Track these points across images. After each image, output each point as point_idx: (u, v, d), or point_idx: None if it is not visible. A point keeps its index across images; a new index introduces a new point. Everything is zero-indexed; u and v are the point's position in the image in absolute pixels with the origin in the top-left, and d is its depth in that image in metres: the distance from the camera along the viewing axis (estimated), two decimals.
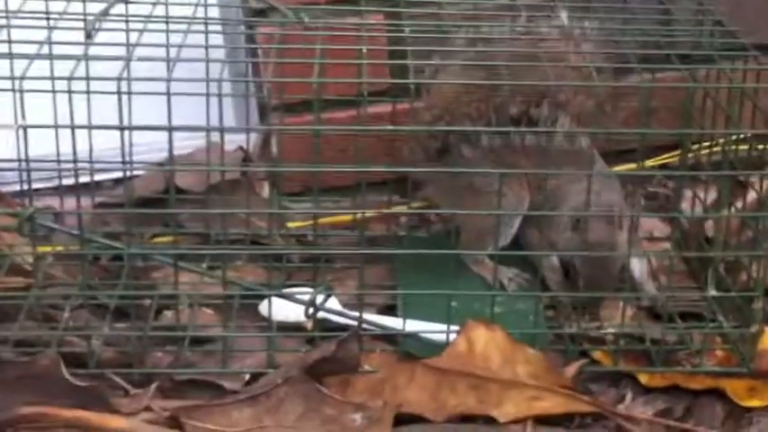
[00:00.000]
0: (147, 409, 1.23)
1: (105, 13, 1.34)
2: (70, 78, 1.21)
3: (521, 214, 1.46)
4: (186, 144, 1.57)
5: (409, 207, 1.56)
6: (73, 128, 1.24)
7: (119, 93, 1.21)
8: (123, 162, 1.26)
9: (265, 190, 1.66)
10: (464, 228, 1.52)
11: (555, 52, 1.40)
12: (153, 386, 1.26)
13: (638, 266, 1.45)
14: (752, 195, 1.44)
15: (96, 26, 1.31)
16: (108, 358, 1.33)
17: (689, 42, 1.46)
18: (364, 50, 1.30)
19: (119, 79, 1.20)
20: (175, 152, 1.33)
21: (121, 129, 1.23)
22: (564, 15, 1.46)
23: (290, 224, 1.62)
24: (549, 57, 1.35)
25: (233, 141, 1.66)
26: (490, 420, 1.23)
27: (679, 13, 1.53)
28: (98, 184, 1.60)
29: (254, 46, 1.61)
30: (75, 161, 1.29)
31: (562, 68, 1.39)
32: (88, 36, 1.29)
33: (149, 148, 1.50)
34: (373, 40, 1.44)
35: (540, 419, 1.23)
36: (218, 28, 1.54)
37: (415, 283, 1.42)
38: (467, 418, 1.24)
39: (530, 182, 1.46)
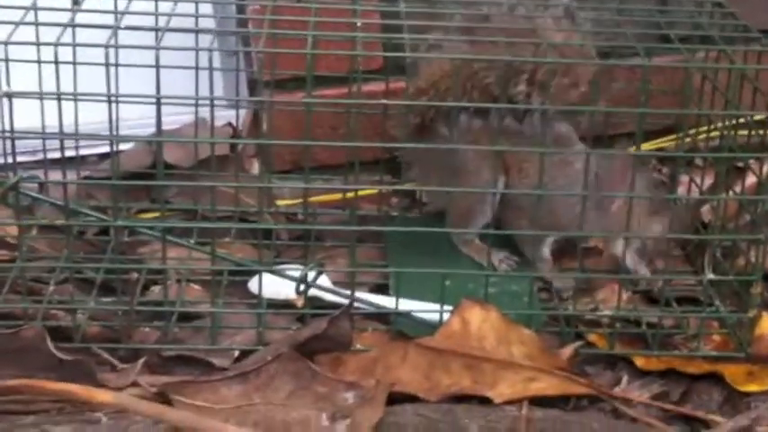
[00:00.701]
0: (134, 384, 1.21)
1: None
2: (56, 44, 1.18)
3: (495, 192, 1.44)
4: (175, 119, 1.55)
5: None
6: (59, 96, 1.21)
7: (106, 64, 1.18)
8: (110, 135, 1.23)
9: (255, 167, 1.63)
10: (449, 209, 1.51)
11: (536, 29, 1.37)
12: (140, 362, 1.24)
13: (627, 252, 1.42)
14: (751, 179, 1.42)
15: None
16: (94, 333, 1.30)
17: (688, 24, 1.44)
18: (359, 24, 1.27)
19: (106, 46, 1.17)
20: (164, 127, 1.30)
21: (109, 99, 1.20)
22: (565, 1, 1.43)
23: (280, 202, 1.60)
24: (528, 33, 1.33)
25: (222, 117, 1.62)
26: (485, 401, 1.20)
27: None
28: (84, 158, 1.57)
29: (244, 16, 1.58)
30: (60, 133, 1.26)
31: (543, 48, 1.36)
32: (75, 2, 1.26)
33: (137, 123, 1.47)
34: (367, 15, 1.41)
35: (536, 401, 1.21)
36: None
37: (406, 262, 1.39)
38: (461, 399, 1.21)
39: (508, 164, 1.44)
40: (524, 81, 1.41)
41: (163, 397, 1.18)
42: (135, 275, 1.33)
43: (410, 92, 1.44)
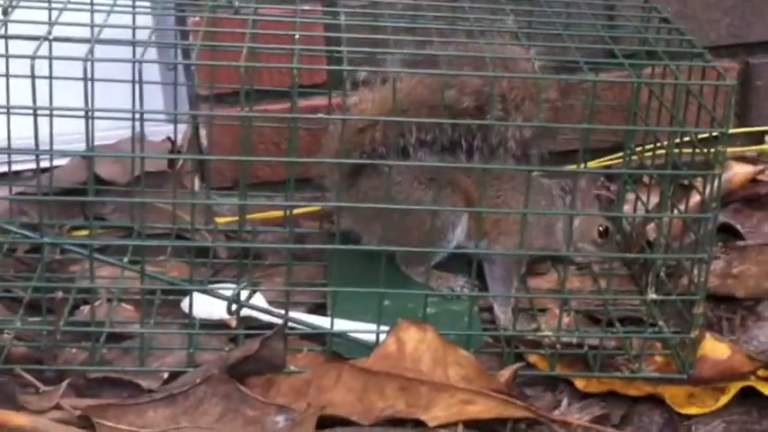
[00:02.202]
0: (58, 407, 1.18)
1: None
2: None
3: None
4: (111, 134, 1.52)
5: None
6: None
7: (33, 76, 1.14)
8: (37, 149, 1.19)
9: (194, 183, 1.59)
10: (401, 244, 1.41)
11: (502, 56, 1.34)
12: (64, 384, 1.20)
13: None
14: (695, 198, 1.41)
15: (14, 3, 1.24)
16: (19, 354, 1.27)
17: (635, 39, 1.43)
18: (297, 36, 1.25)
19: (33, 57, 1.14)
20: (99, 142, 1.27)
21: (35, 113, 1.16)
22: (510, 19, 1.40)
23: (219, 219, 1.56)
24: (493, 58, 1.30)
25: (161, 133, 1.59)
26: (419, 424, 1.18)
27: (624, 11, 1.49)
28: (17, 174, 1.53)
29: (182, 28, 1.55)
30: None
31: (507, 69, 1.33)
32: (4, 12, 1.23)
33: (74, 137, 1.44)
34: (308, 28, 1.39)
35: (472, 424, 1.18)
36: (147, 10, 1.47)
37: (347, 281, 1.36)
38: (395, 422, 1.19)
39: (473, 200, 1.41)
40: (498, 103, 1.38)
41: (86, 420, 1.15)
42: (60, 294, 1.29)
43: (356, 126, 1.40)
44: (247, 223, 1.47)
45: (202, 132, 1.61)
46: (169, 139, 1.59)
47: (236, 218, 1.55)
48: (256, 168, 1.62)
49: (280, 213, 1.56)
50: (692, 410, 1.25)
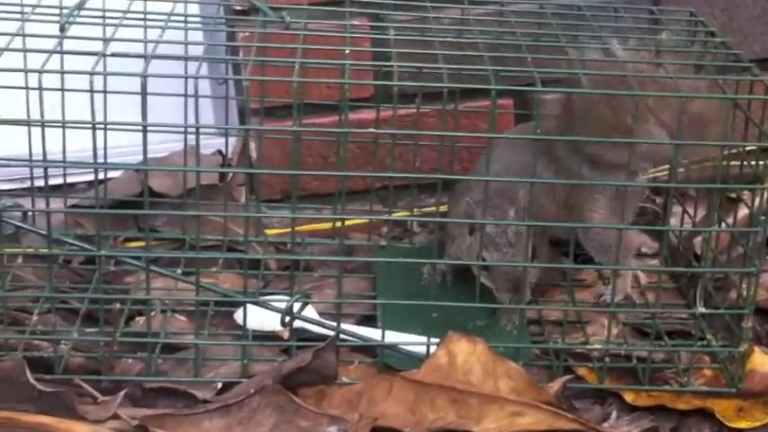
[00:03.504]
0: (115, 416, 1.20)
1: (81, 5, 1.30)
2: (41, 71, 1.17)
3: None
4: (163, 147, 1.54)
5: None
6: (43, 124, 1.19)
7: (91, 90, 1.17)
8: (95, 162, 1.21)
9: (244, 196, 1.61)
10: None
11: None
12: (121, 393, 1.22)
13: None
14: (743, 211, 1.41)
15: (70, 19, 1.27)
16: (77, 364, 1.29)
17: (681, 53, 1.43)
18: (347, 51, 1.26)
19: (91, 73, 1.16)
20: (152, 155, 1.29)
21: (93, 127, 1.18)
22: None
23: (269, 231, 1.58)
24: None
25: (211, 146, 1.62)
26: None
27: (671, 25, 1.49)
28: (72, 186, 1.56)
29: (233, 44, 1.57)
30: (44, 160, 1.25)
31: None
32: (62, 29, 1.25)
33: (127, 150, 1.47)
34: (357, 43, 1.40)
35: None
36: (198, 26, 1.50)
37: (395, 293, 1.38)
38: None
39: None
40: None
41: (143, 430, 1.16)
42: (117, 306, 1.31)
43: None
44: (296, 235, 1.48)
45: (252, 145, 1.63)
46: (220, 152, 1.61)
47: (286, 230, 1.57)
48: (305, 181, 1.63)
49: (328, 225, 1.58)
50: (742, 424, 1.25)
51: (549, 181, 1.40)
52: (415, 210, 1.59)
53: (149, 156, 1.23)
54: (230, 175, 1.59)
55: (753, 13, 1.75)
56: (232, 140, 1.64)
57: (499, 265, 1.35)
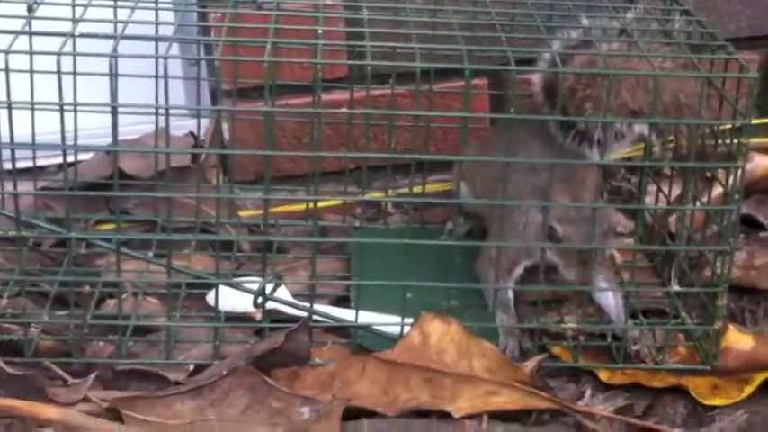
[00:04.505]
0: (86, 399, 1.19)
1: None
2: (8, 52, 1.15)
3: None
4: (135, 128, 1.52)
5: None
6: (9, 105, 1.18)
7: (59, 72, 1.15)
8: (63, 144, 1.20)
9: (217, 178, 1.60)
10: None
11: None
12: (92, 376, 1.22)
13: (612, 300, 1.37)
14: (717, 190, 1.40)
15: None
16: (47, 347, 1.27)
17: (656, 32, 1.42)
18: (320, 31, 1.25)
19: (59, 54, 1.15)
20: (123, 137, 1.28)
21: (61, 108, 1.17)
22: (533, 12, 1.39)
23: (242, 213, 1.57)
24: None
25: (184, 127, 1.60)
26: (444, 415, 1.18)
27: (646, 3, 1.49)
28: (43, 169, 1.54)
29: (204, 24, 1.56)
30: (12, 142, 1.23)
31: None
32: (29, 9, 1.23)
33: (98, 132, 1.45)
34: (330, 23, 1.39)
35: (496, 415, 1.19)
36: (169, 6, 1.48)
37: (369, 274, 1.37)
38: (420, 413, 1.19)
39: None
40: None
41: (114, 412, 1.16)
42: (87, 288, 1.30)
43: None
44: (270, 217, 1.47)
45: (225, 127, 1.62)
46: (192, 133, 1.59)
47: (260, 211, 1.56)
48: (278, 162, 1.62)
49: (302, 207, 1.57)
50: (716, 401, 1.25)
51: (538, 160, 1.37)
52: (390, 191, 1.58)
53: (121, 137, 1.22)
54: (203, 156, 1.57)
55: None
56: (204, 122, 1.62)
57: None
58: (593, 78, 1.32)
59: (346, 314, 1.33)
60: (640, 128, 1.37)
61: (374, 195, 1.61)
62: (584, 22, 1.37)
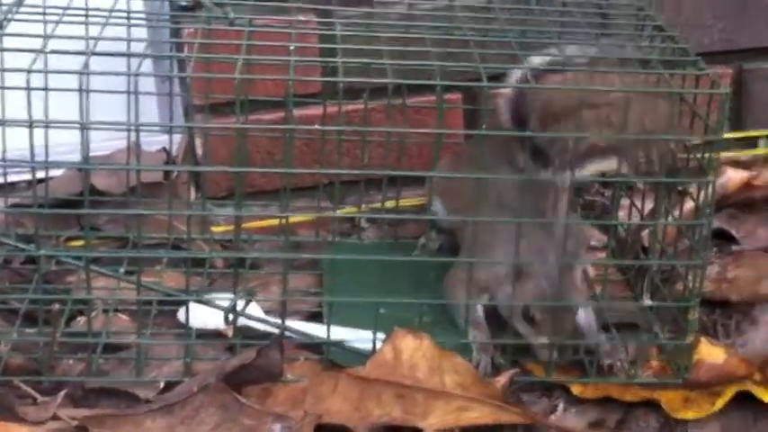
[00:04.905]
0: (55, 417, 1.19)
1: (20, 2, 1.28)
2: None
3: None
4: (107, 144, 1.52)
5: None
6: None
7: (28, 88, 1.15)
8: (32, 161, 1.19)
9: (189, 193, 1.60)
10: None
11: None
12: (61, 394, 1.21)
13: (583, 316, 1.36)
14: (690, 204, 1.41)
15: (9, 16, 1.25)
16: (17, 365, 1.27)
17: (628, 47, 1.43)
18: (292, 47, 1.25)
19: (29, 71, 1.14)
20: (95, 153, 1.27)
21: (31, 125, 1.17)
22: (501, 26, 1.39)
23: (215, 228, 1.57)
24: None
25: (156, 143, 1.60)
26: (416, 431, 1.18)
27: (619, 19, 1.49)
28: (13, 186, 1.53)
29: (176, 41, 1.56)
30: None
31: None
32: (0, 26, 1.23)
33: (69, 148, 1.44)
34: (303, 39, 1.39)
35: (468, 430, 1.18)
36: (142, 23, 1.48)
37: (342, 290, 1.37)
38: (392, 429, 1.19)
39: None
40: None
41: (84, 431, 1.15)
42: (57, 306, 1.29)
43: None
44: (243, 233, 1.47)
45: (198, 142, 1.61)
46: (164, 149, 1.59)
47: (232, 227, 1.55)
48: (251, 178, 1.62)
49: (275, 222, 1.56)
50: (688, 415, 1.25)
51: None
52: (363, 206, 1.58)
53: (93, 153, 1.21)
54: (175, 172, 1.57)
55: (700, 6, 1.76)
56: (177, 138, 1.62)
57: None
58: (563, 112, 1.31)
59: (319, 330, 1.33)
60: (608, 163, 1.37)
61: (347, 211, 1.61)
62: (554, 51, 1.36)
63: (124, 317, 1.38)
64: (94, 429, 1.14)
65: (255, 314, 1.31)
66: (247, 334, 1.30)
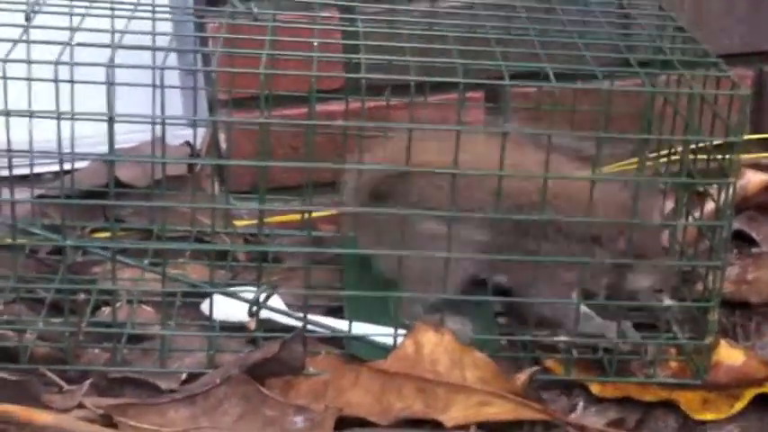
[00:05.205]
0: (80, 406, 1.19)
1: None
2: (6, 60, 1.16)
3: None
4: (131, 137, 1.53)
5: None
6: (8, 113, 1.19)
7: (56, 80, 1.16)
8: (59, 152, 1.21)
9: (213, 187, 1.61)
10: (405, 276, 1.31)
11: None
12: (86, 383, 1.22)
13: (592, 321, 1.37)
14: (710, 205, 1.42)
15: (36, 8, 1.26)
16: (42, 354, 1.28)
17: (649, 48, 1.43)
18: (315, 43, 1.26)
19: (56, 63, 1.16)
20: (120, 145, 1.28)
21: (58, 117, 1.18)
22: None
23: (238, 222, 1.58)
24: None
25: (180, 137, 1.61)
26: (436, 425, 1.19)
27: (640, 19, 1.50)
28: (39, 177, 1.55)
29: (201, 35, 1.57)
30: (9, 150, 1.24)
31: None
32: (27, 18, 1.24)
33: (95, 140, 1.45)
34: (326, 35, 1.40)
35: (488, 425, 1.19)
36: (167, 16, 1.49)
37: (363, 284, 1.38)
38: (413, 423, 1.20)
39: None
40: None
41: (108, 419, 1.16)
42: (83, 296, 1.30)
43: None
44: (265, 227, 1.48)
45: (221, 137, 1.62)
46: (188, 143, 1.60)
47: (255, 221, 1.56)
48: (273, 173, 1.62)
49: (297, 217, 1.57)
50: (707, 416, 1.26)
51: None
52: None
53: (118, 146, 1.22)
54: (199, 165, 1.58)
55: (721, 8, 1.76)
56: (201, 131, 1.63)
57: None
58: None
59: (340, 324, 1.34)
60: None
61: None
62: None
63: (148, 308, 1.39)
64: (119, 418, 1.15)
65: (278, 307, 1.32)
66: (269, 327, 1.31)
